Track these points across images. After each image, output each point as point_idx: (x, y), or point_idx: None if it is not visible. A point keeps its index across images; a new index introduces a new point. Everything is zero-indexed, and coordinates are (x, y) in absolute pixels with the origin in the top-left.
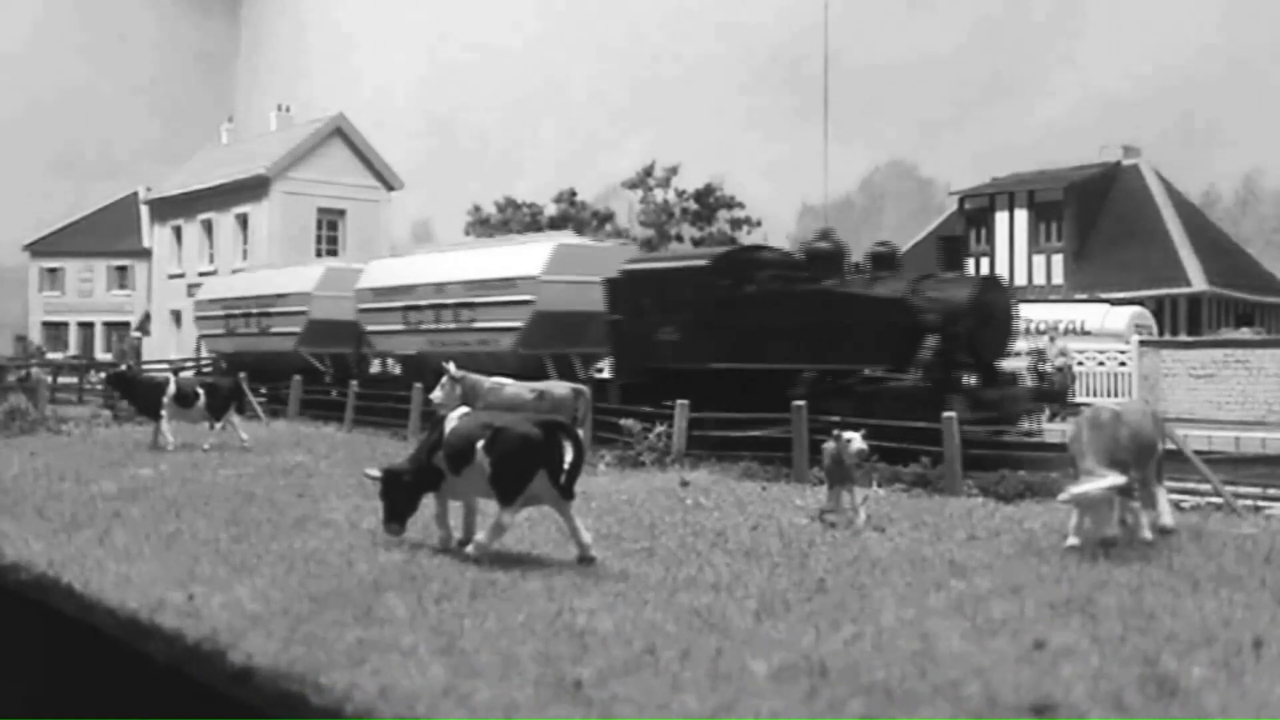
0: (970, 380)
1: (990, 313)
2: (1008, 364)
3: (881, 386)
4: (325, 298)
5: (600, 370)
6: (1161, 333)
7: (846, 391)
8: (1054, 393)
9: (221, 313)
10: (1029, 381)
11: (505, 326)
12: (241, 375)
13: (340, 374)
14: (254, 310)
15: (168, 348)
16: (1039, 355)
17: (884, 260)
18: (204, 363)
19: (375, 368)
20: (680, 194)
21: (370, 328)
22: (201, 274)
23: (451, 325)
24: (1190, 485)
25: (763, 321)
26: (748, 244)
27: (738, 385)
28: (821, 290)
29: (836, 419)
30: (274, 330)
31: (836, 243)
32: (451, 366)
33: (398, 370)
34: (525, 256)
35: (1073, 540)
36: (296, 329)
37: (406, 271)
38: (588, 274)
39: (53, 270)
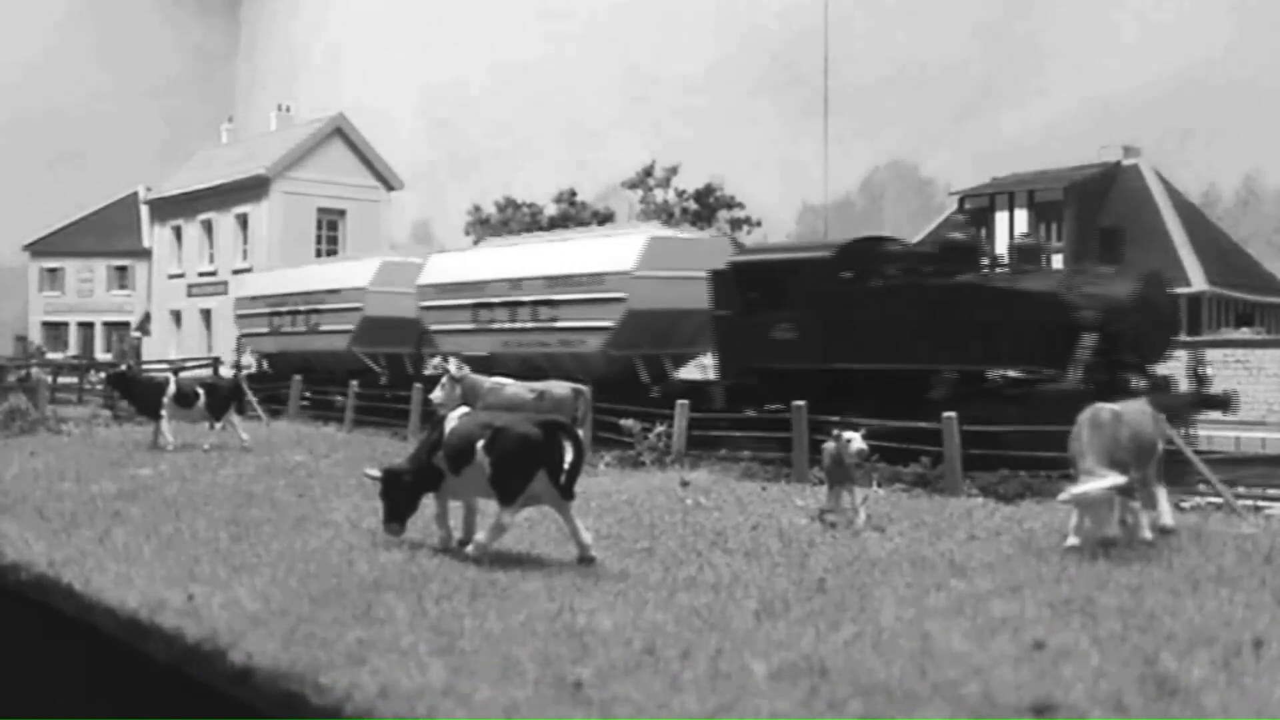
0: (1137, 383)
1: (1154, 310)
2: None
3: (1034, 390)
4: (381, 293)
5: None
6: None
7: (992, 394)
8: (1219, 399)
9: (265, 310)
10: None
11: (592, 326)
12: (297, 378)
13: (396, 376)
14: (302, 307)
15: (168, 348)
16: (1197, 358)
17: (1029, 253)
18: (203, 363)
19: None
20: (680, 194)
21: (434, 326)
22: (201, 274)
23: (529, 324)
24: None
25: (892, 318)
26: (869, 235)
27: (862, 387)
28: (962, 285)
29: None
30: (324, 328)
31: (972, 234)
32: (452, 366)
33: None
34: (616, 250)
35: (1073, 540)
36: (349, 327)
37: (476, 266)
38: (682, 269)
39: (53, 270)
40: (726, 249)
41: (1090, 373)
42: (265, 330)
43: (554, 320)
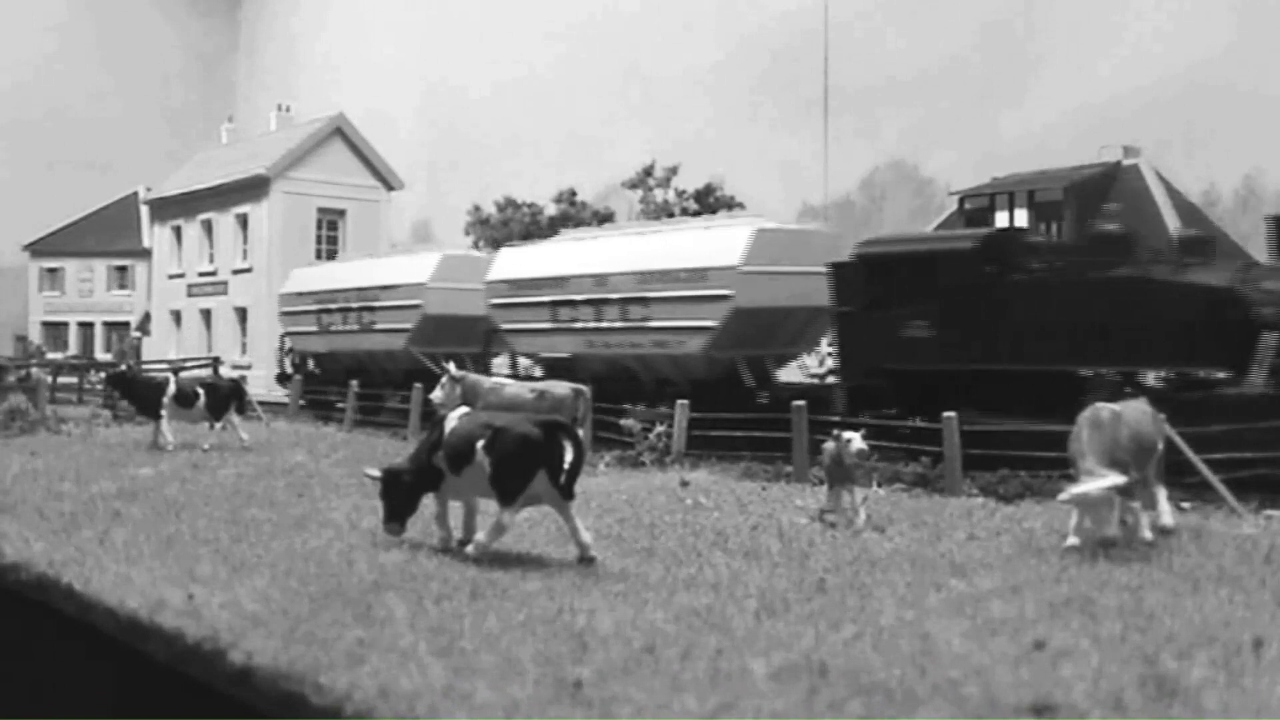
0: None
1: None
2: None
3: (1213, 394)
4: (442, 290)
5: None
6: None
7: (1162, 399)
8: None
9: (312, 307)
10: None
11: (693, 326)
12: (354, 383)
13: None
14: (354, 304)
15: (168, 348)
16: None
17: (1197, 245)
18: (203, 363)
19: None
20: (680, 194)
21: (507, 325)
22: (201, 274)
23: (618, 324)
24: None
25: (1044, 315)
26: (1009, 226)
27: (1006, 389)
28: (1125, 279)
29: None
30: (379, 327)
31: (1127, 225)
32: (452, 366)
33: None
34: (719, 243)
35: (1073, 540)
36: (407, 325)
37: (555, 260)
38: (790, 263)
39: (53, 270)
40: (833, 241)
41: (1276, 375)
42: (313, 329)
43: (647, 319)
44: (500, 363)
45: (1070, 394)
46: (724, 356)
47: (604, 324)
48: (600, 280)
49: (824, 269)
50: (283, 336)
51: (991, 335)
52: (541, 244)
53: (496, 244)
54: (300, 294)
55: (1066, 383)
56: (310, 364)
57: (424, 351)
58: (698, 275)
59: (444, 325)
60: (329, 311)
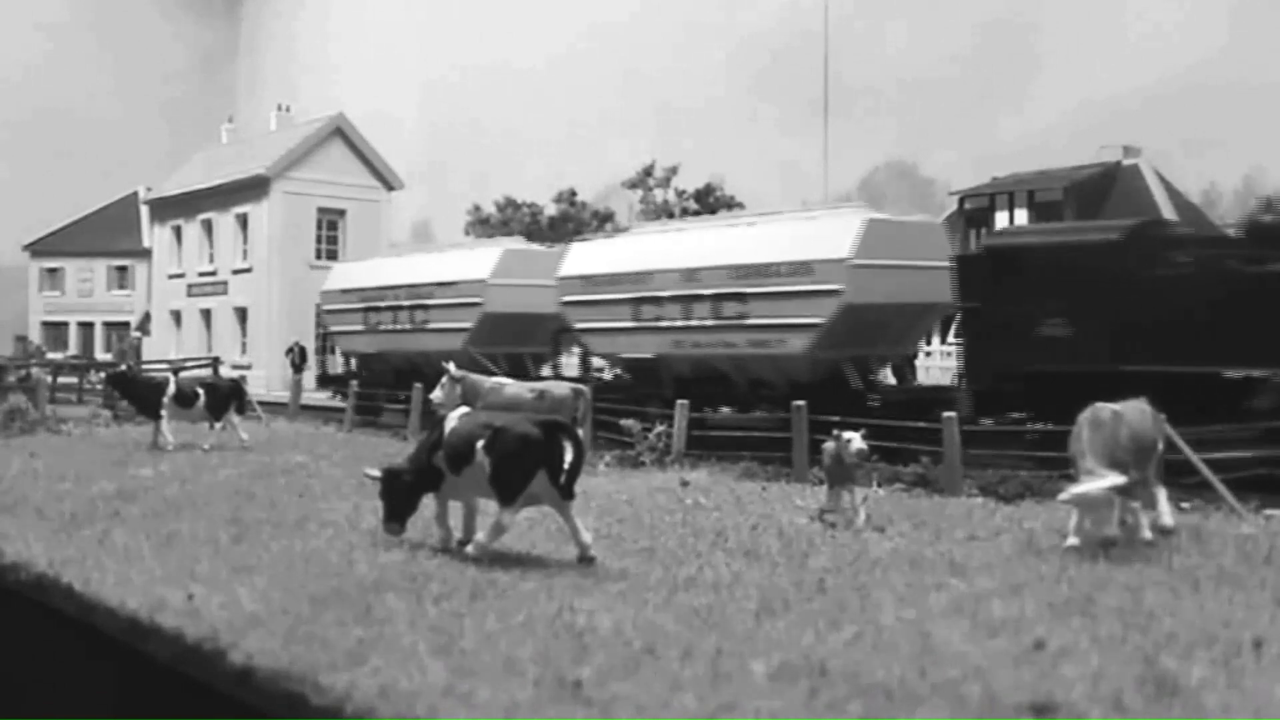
0: None
1: None
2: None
3: None
4: (504, 286)
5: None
6: None
7: None
8: None
9: (359, 305)
10: None
11: (797, 323)
12: (415, 390)
13: (518, 378)
14: (406, 302)
15: (168, 348)
16: None
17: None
18: (203, 363)
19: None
20: (680, 194)
21: (582, 324)
22: (201, 274)
23: (709, 322)
24: None
25: (1202, 313)
26: (1157, 217)
27: (1160, 393)
28: None
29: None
30: (433, 326)
31: None
32: (451, 366)
33: (607, 375)
34: (826, 234)
35: (1073, 540)
36: (466, 324)
37: (636, 254)
38: (901, 257)
39: (53, 270)
40: (941, 234)
41: None
42: (359, 328)
43: (743, 317)
44: (571, 363)
45: (1233, 398)
46: (829, 357)
47: (693, 322)
48: (689, 275)
49: (935, 263)
50: (324, 336)
51: (1142, 334)
52: (620, 237)
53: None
54: (345, 291)
55: (1228, 386)
56: (352, 365)
57: (484, 352)
58: (802, 269)
59: (506, 324)
60: (377, 310)
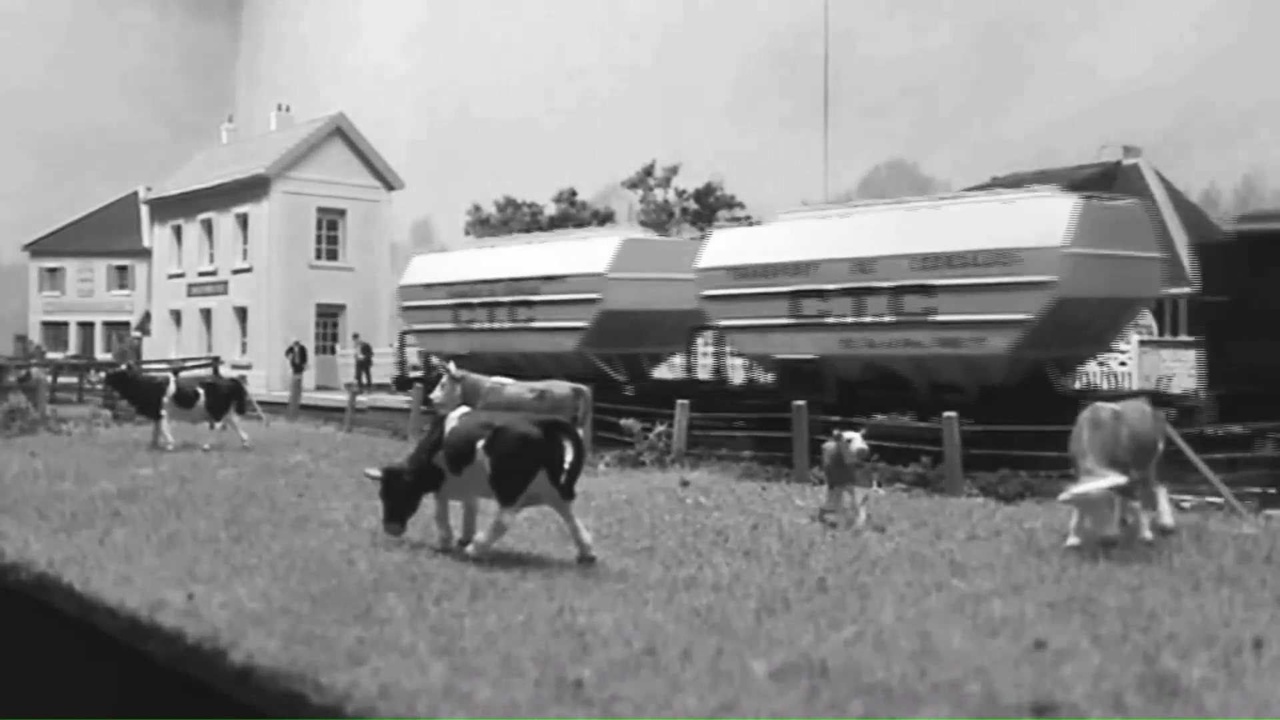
0: None
1: None
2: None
3: None
4: (625, 280)
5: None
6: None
7: None
8: None
9: (447, 301)
10: None
11: (996, 320)
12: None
13: (636, 381)
14: (505, 297)
15: (168, 348)
16: None
17: None
18: (203, 362)
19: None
20: (680, 194)
21: (728, 321)
22: (201, 274)
23: (887, 317)
24: None
25: None
26: None
27: None
28: None
29: None
30: (540, 325)
31: None
32: (451, 366)
33: (747, 376)
34: (1032, 220)
35: (1073, 540)
36: (581, 323)
37: (790, 243)
38: (1119, 246)
39: (53, 270)
40: (1146, 219)
41: None
42: (447, 326)
43: (930, 313)
44: (706, 364)
45: None
46: (1031, 357)
47: (867, 319)
48: (863, 265)
49: (1145, 253)
50: (403, 334)
51: None
52: (771, 224)
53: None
54: (428, 286)
55: None
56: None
57: (601, 354)
58: (1006, 259)
59: (627, 322)
60: (469, 306)
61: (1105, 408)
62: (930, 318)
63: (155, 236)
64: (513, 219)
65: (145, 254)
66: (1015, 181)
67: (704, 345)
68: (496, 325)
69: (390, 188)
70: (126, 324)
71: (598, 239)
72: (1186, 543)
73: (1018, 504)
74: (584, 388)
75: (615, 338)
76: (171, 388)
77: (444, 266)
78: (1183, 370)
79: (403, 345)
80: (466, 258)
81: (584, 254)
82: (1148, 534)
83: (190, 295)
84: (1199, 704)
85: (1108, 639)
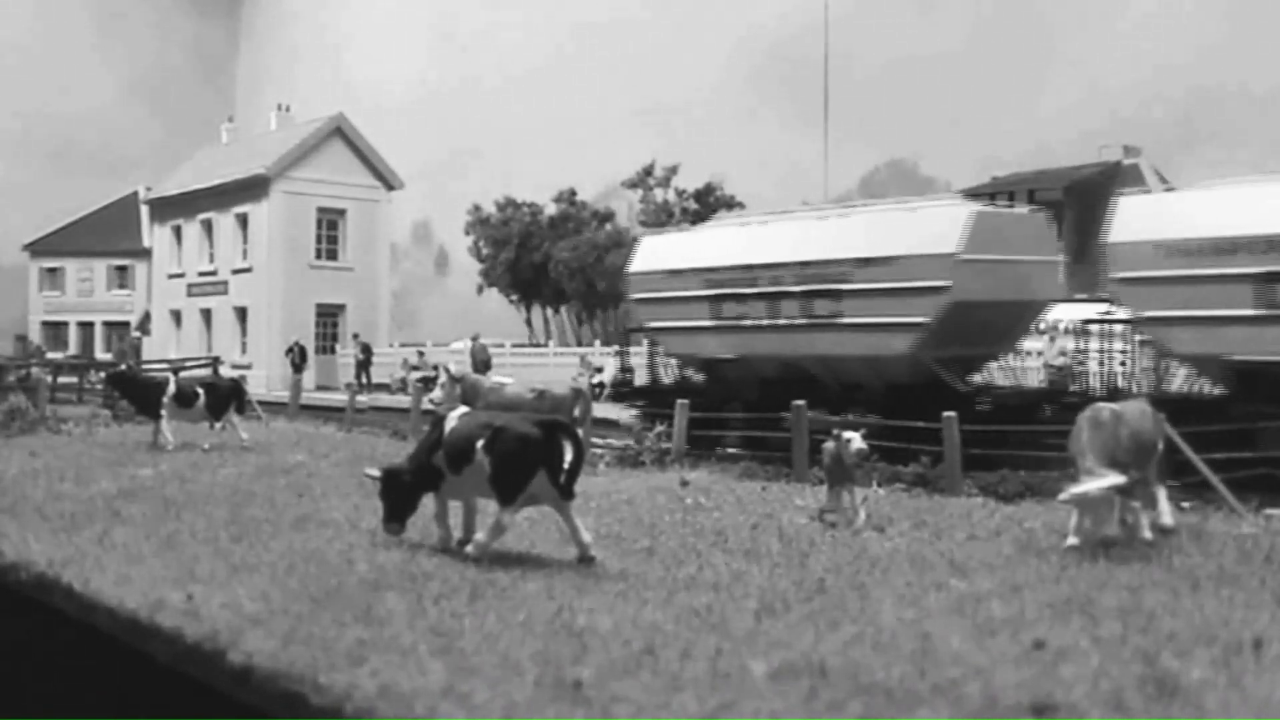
0: None
1: None
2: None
3: None
4: (980, 263)
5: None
6: None
7: None
8: None
9: (701, 291)
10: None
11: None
12: (799, 405)
13: (968, 390)
14: (795, 286)
15: (168, 348)
16: None
17: None
18: (203, 362)
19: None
20: (680, 194)
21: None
22: (201, 274)
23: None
24: None
25: None
26: None
27: None
28: None
29: None
30: (851, 320)
31: None
32: (451, 366)
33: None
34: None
35: (1073, 540)
36: (919, 318)
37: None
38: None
39: (53, 270)
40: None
41: None
42: (702, 323)
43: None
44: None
45: None
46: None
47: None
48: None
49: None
50: (627, 332)
51: None
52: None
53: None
54: (674, 272)
55: None
56: (680, 369)
57: (940, 357)
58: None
59: (976, 316)
60: (739, 298)
61: (1105, 408)
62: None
63: (155, 236)
64: (513, 219)
65: (145, 254)
66: (1016, 181)
67: (1050, 342)
68: (782, 321)
69: (390, 188)
70: (126, 324)
71: (935, 209)
72: (1186, 543)
73: (1018, 504)
74: (583, 388)
75: (959, 336)
76: (171, 388)
77: (696, 248)
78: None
79: (626, 346)
80: (729, 237)
81: (920, 229)
82: (1148, 534)
83: (190, 295)
84: (1199, 704)
85: (1107, 639)
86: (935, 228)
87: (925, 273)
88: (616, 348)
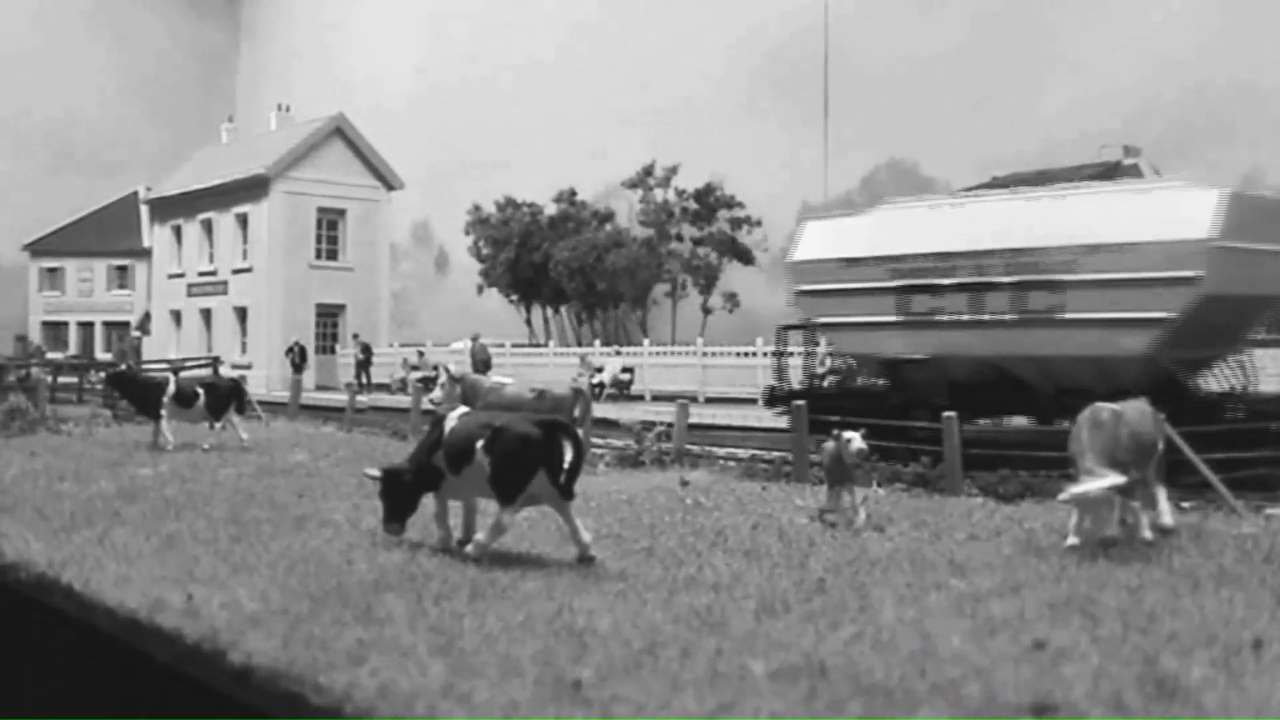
0: None
1: None
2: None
3: None
4: (1234, 252)
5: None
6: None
7: None
8: None
9: (885, 283)
10: None
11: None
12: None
13: (1197, 397)
14: (1005, 278)
15: (168, 348)
16: None
17: None
18: (203, 362)
19: None
20: (680, 194)
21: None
22: (201, 274)
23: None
24: None
25: None
26: None
27: None
28: None
29: None
30: (1074, 315)
31: None
32: (451, 366)
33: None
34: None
35: (1073, 540)
36: (1161, 313)
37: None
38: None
39: (53, 270)
40: None
41: None
42: (888, 318)
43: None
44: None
45: None
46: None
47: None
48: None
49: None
50: (783, 330)
51: None
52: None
53: (497, 243)
54: (849, 261)
55: None
56: (850, 370)
57: (1180, 359)
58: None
59: (1225, 313)
60: (931, 289)
61: (1105, 408)
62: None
63: (155, 236)
64: (512, 219)
65: (145, 254)
66: (1016, 181)
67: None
68: (987, 317)
69: (390, 188)
70: (126, 324)
71: (1176, 191)
72: (1186, 543)
73: (1018, 504)
74: (583, 388)
75: (1199, 334)
76: (171, 388)
77: (877, 233)
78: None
79: (784, 347)
80: (917, 220)
81: (1161, 212)
82: (1148, 534)
83: (190, 295)
84: (1199, 704)
85: (1107, 639)
86: (1181, 210)
87: (1171, 261)
88: (772, 347)
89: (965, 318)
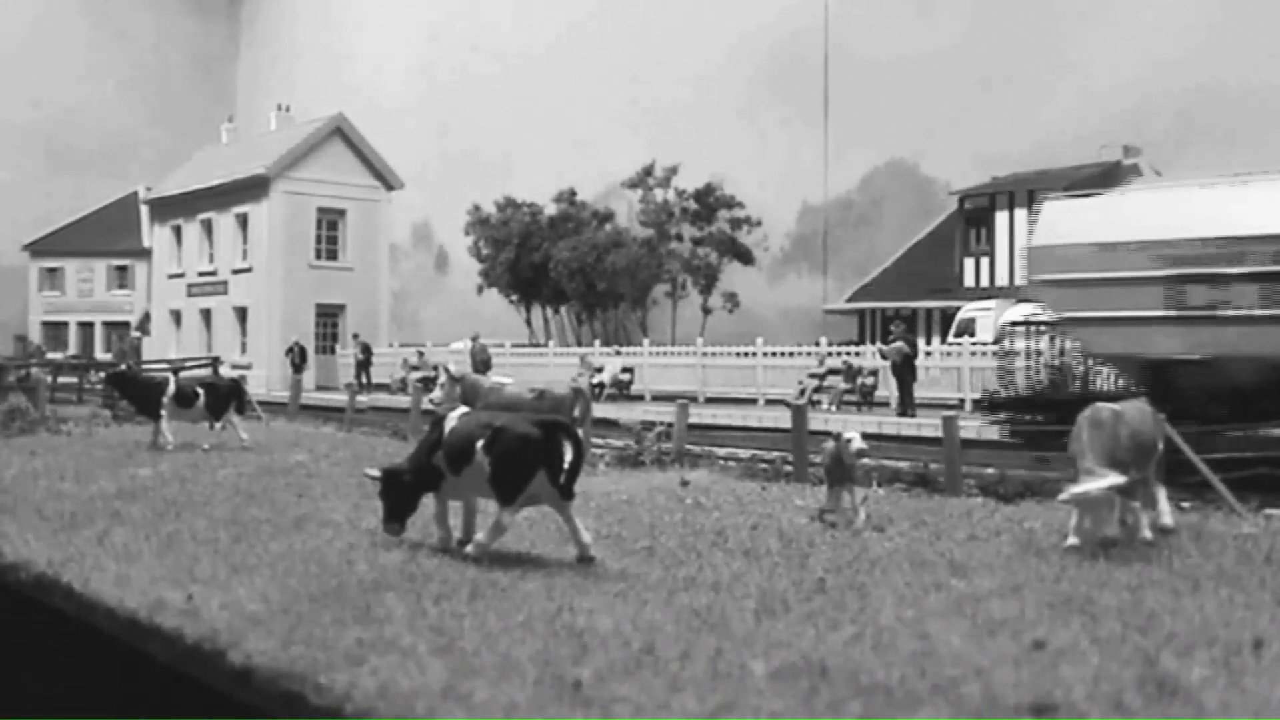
0: None
1: None
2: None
3: None
4: None
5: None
6: None
7: None
8: None
9: (1152, 270)
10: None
11: None
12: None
13: None
14: None
15: (168, 348)
16: None
17: None
18: (203, 362)
19: None
20: (680, 194)
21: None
22: (201, 274)
23: None
24: None
25: None
26: None
27: None
28: None
29: None
30: None
31: None
32: (451, 366)
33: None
34: None
35: (1073, 540)
36: None
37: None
38: None
39: (53, 270)
40: None
41: None
42: (1154, 312)
43: None
44: None
45: None
46: None
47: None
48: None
49: None
50: (1008, 326)
51: None
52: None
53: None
54: (1106, 246)
55: None
56: (1080, 369)
57: None
58: None
59: None
60: (1212, 279)
61: (1105, 408)
62: None
63: (155, 236)
64: (512, 219)
65: (145, 254)
66: (1016, 181)
67: None
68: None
69: (390, 188)
70: (126, 324)
71: None
72: (1186, 543)
73: (1018, 504)
74: (583, 388)
75: None
76: (171, 388)
77: (1138, 215)
78: None
79: (1007, 344)
80: (1190, 200)
81: None
82: (1148, 534)
83: (190, 295)
84: (1199, 704)
85: (1107, 639)
86: None
87: None
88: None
89: (1259, 313)
